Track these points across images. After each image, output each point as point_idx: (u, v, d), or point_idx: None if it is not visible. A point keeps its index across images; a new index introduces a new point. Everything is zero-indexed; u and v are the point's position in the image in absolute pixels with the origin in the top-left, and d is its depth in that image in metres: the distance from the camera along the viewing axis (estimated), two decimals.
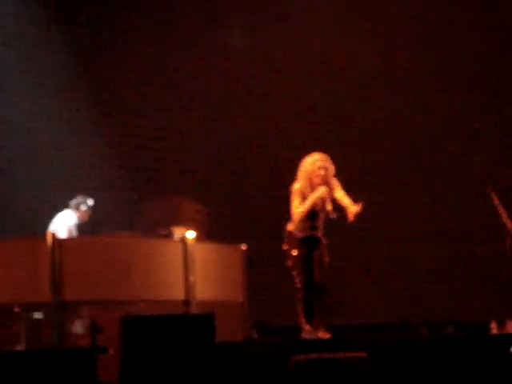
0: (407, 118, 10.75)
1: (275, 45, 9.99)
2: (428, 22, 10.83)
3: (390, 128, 10.66)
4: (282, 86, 10.13)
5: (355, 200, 5.65)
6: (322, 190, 5.77)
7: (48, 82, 8.93)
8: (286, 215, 5.98)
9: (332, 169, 5.93)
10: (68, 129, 8.94)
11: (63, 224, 7.27)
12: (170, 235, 6.66)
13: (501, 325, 7.21)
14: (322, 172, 5.82)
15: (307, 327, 5.87)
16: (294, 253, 5.83)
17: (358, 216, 5.58)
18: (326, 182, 5.81)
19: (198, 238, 6.71)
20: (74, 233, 7.32)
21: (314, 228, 5.92)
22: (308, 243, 5.91)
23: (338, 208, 5.79)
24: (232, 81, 9.97)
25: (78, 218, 7.38)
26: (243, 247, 7.33)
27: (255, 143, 9.91)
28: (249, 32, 10.03)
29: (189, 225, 6.78)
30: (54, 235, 6.36)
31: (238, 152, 9.81)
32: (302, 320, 5.90)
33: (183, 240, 6.55)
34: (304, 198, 5.83)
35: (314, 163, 5.81)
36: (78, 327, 6.37)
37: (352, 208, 5.67)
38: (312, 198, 5.78)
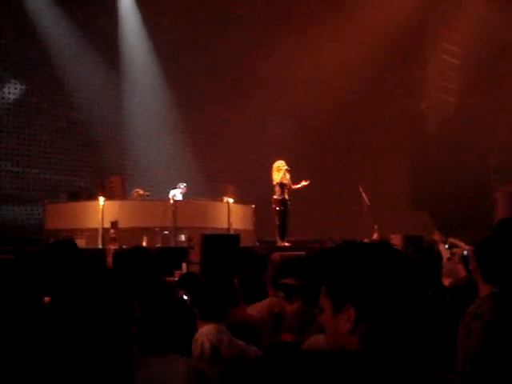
0: None
1: None
2: None
3: None
4: None
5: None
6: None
7: None
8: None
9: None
10: None
11: (175, 193, 15.60)
12: (222, 200, 15.01)
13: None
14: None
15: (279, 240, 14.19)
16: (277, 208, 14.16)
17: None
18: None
19: (234, 202, 15.03)
20: (180, 198, 15.62)
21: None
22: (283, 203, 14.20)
23: None
24: None
25: (181, 191, 15.74)
26: (253, 206, 15.72)
27: None
28: None
29: (230, 195, 15.10)
30: (173, 198, 14.71)
31: None
32: (277, 237, 14.22)
33: (227, 203, 14.88)
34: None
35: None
36: (183, 237, 14.41)
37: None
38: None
